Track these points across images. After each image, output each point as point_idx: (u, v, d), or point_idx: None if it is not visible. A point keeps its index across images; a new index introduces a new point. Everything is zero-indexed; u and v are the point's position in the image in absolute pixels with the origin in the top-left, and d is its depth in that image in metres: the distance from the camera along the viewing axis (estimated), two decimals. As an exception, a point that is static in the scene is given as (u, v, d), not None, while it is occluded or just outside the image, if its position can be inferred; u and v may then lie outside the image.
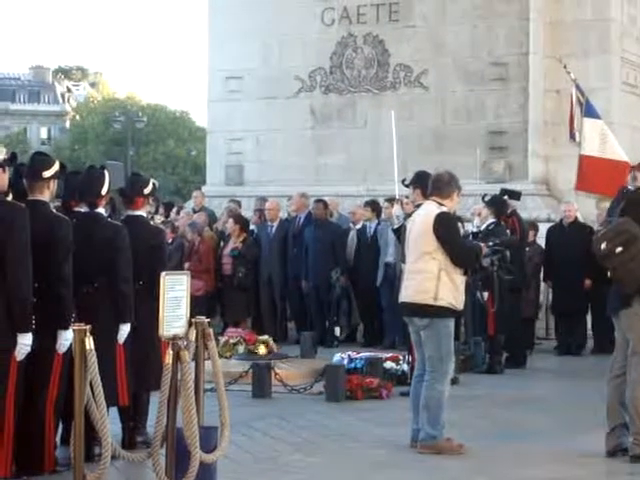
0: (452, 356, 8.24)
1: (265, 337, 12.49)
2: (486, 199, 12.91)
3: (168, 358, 6.06)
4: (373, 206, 15.13)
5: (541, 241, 14.67)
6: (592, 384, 11.54)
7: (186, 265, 14.82)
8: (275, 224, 15.65)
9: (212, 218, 16.81)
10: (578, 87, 14.48)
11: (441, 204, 8.22)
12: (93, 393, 5.90)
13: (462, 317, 12.49)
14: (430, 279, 8.02)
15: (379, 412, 9.80)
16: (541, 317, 15.14)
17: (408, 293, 8.22)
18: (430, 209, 8.23)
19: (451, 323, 8.19)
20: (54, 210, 7.26)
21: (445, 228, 8.08)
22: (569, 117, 14.56)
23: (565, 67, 14.80)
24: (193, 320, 6.31)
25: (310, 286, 15.21)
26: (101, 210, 7.85)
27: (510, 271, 12.32)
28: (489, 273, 12.18)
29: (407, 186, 10.07)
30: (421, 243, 8.14)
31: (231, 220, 15.54)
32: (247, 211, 16.97)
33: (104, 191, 7.79)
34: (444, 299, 8.02)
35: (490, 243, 11.36)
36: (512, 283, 12.49)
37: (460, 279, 8.17)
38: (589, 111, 14.32)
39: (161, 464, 6.14)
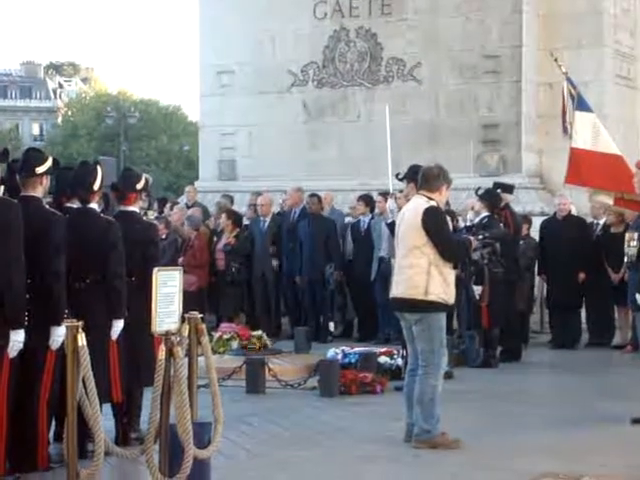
0: (444, 350, 8.21)
1: (259, 332, 12.47)
2: (480, 193, 12.88)
3: (161, 354, 6.03)
4: (366, 200, 15.08)
5: (535, 234, 14.64)
6: (587, 377, 11.57)
7: (180, 260, 14.78)
8: (268, 219, 15.60)
9: (205, 214, 16.76)
10: (569, 80, 14.43)
11: (430, 198, 8.19)
12: (86, 390, 5.87)
13: (456, 311, 12.48)
14: (420, 274, 7.99)
15: (373, 407, 9.77)
16: (536, 311, 15.12)
17: (399, 288, 8.20)
18: (419, 203, 8.20)
19: (442, 317, 8.16)
20: (47, 206, 7.23)
21: (433, 222, 8.05)
22: (561, 111, 14.52)
23: (556, 60, 14.73)
24: (186, 316, 6.28)
25: (304, 281, 15.17)
26: (94, 205, 7.80)
27: (501, 264, 12.30)
28: (480, 267, 12.16)
29: (401, 180, 10.06)
30: (410, 237, 8.11)
31: (224, 215, 15.51)
32: (240, 206, 16.93)
33: (96, 186, 7.73)
34: (434, 293, 7.99)
35: (480, 236, 11.33)
36: (506, 276, 12.47)
37: (450, 273, 8.15)
38: (581, 104, 14.26)
39: (154, 460, 6.11)
